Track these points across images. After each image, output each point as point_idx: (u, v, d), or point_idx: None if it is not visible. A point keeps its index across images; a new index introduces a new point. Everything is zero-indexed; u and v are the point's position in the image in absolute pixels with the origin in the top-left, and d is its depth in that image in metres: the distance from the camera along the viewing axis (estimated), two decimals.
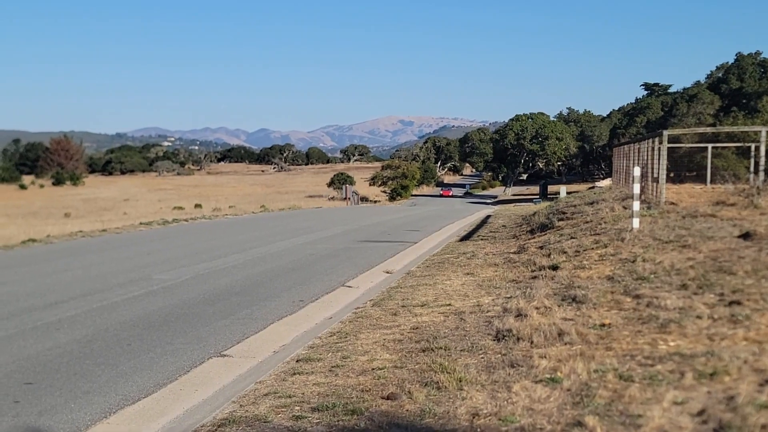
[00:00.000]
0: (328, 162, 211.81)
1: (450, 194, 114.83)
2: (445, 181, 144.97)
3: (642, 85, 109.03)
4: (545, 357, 6.87)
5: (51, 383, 7.48)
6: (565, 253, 13.39)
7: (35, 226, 35.04)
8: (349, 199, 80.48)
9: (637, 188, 14.31)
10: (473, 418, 5.54)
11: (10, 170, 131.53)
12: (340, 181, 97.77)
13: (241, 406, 6.42)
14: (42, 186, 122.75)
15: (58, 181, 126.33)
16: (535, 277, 11.87)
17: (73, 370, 7.93)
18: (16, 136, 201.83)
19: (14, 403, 6.86)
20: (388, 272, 15.86)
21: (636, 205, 13.99)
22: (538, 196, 76.10)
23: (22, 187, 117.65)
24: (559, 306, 8.96)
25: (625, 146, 27.10)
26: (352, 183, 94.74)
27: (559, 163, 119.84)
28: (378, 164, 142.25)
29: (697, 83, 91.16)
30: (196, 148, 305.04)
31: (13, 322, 10.37)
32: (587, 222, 17.03)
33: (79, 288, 13.45)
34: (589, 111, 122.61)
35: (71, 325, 10.20)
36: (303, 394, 6.58)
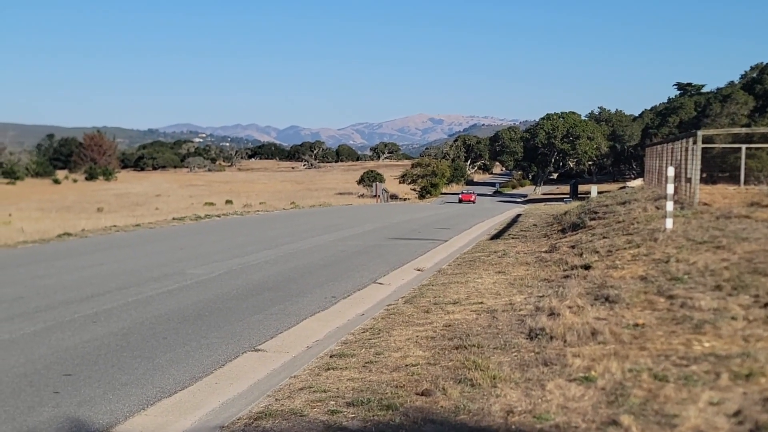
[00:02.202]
0: (358, 159, 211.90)
1: (473, 199, 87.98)
2: (475, 180, 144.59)
3: (675, 84, 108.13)
4: (579, 356, 6.88)
5: (89, 375, 7.59)
6: (597, 252, 13.35)
7: (69, 221, 35.42)
8: (379, 196, 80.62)
9: (670, 188, 14.22)
10: (508, 415, 5.57)
11: (44, 165, 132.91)
12: (370, 178, 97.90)
13: (276, 399, 6.48)
14: (75, 181, 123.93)
15: (91, 176, 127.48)
16: (567, 277, 11.85)
17: (111, 362, 8.05)
18: (51, 131, 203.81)
19: (54, 393, 6.98)
20: (419, 270, 15.90)
21: (669, 206, 13.92)
22: (568, 196, 75.71)
23: (56, 181, 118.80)
24: (591, 305, 8.95)
25: (658, 146, 26.91)
26: (382, 181, 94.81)
27: (590, 163, 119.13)
28: (408, 162, 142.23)
29: (731, 83, 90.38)
30: (227, 144, 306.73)
31: (51, 315, 10.53)
32: (619, 222, 16.95)
33: (115, 282, 13.62)
34: (621, 110, 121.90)
35: (108, 318, 10.35)
36: (338, 389, 6.64)
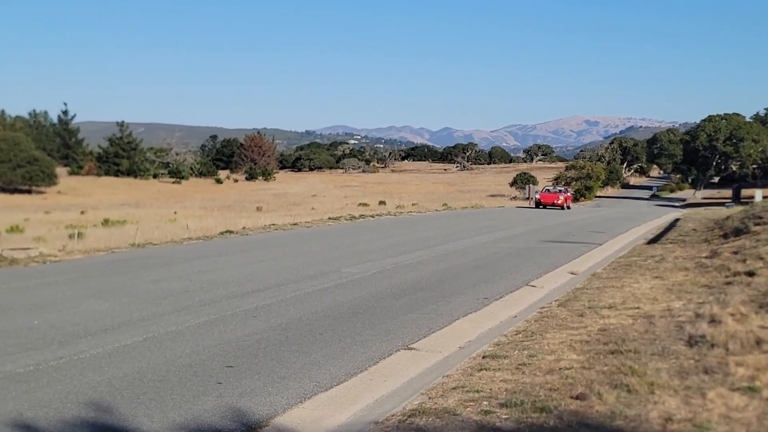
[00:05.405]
0: (510, 161, 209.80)
1: (559, 202, 55.96)
2: (631, 183, 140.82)
3: None
4: (742, 365, 6.64)
5: (250, 367, 7.88)
6: (762, 259, 12.82)
7: (230, 219, 36.75)
8: (532, 198, 79.72)
9: None
10: (666, 422, 5.43)
11: (208, 165, 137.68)
12: (522, 180, 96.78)
13: (429, 398, 6.55)
14: (236, 180, 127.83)
15: (250, 176, 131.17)
16: (729, 283, 11.43)
17: (270, 356, 8.33)
18: (214, 132, 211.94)
19: (217, 384, 7.28)
20: (572, 273, 15.70)
21: None
22: (730, 200, 72.76)
23: (218, 181, 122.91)
24: (756, 313, 8.61)
25: None
26: (534, 183, 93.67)
27: (754, 166, 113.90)
28: (561, 164, 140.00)
29: None
30: (381, 146, 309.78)
31: (214, 308, 10.99)
32: None
33: (274, 278, 14.08)
34: None
35: (267, 313, 10.71)
36: (490, 389, 6.64)
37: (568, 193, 62.49)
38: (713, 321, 8.45)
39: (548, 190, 62.59)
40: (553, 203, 55.70)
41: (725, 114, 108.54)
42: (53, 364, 7.82)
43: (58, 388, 7.01)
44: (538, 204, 56.69)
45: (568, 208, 56.07)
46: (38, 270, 15.46)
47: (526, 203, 75.52)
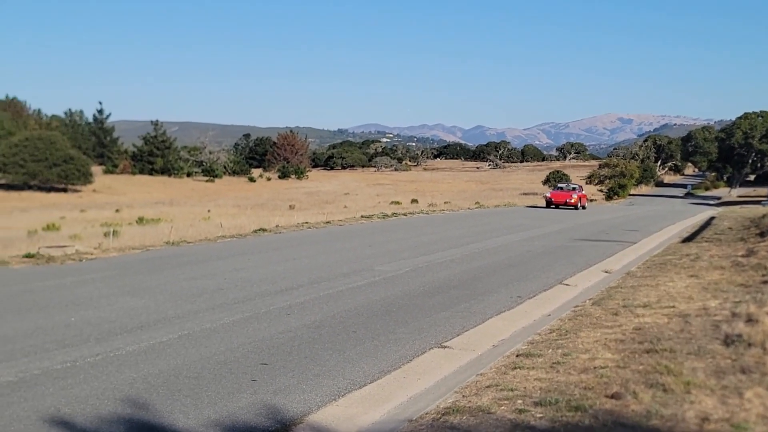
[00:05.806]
0: (543, 160, 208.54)
1: (573, 201, 48.92)
2: (666, 181, 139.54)
3: None
4: None
5: (284, 365, 7.92)
6: None
7: (263, 217, 36.88)
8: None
9: None
10: (703, 422, 5.38)
11: (241, 163, 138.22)
12: (555, 179, 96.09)
13: (463, 396, 6.55)
14: (269, 179, 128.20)
15: (283, 175, 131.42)
16: (766, 282, 11.33)
17: (304, 354, 8.37)
18: (247, 131, 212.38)
19: (252, 381, 7.33)
20: (606, 272, 15.62)
21: None
22: (766, 198, 71.84)
23: (251, 179, 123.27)
24: None
25: None
26: (568, 181, 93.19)
27: None
28: (595, 163, 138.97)
29: None
30: (414, 144, 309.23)
31: (248, 306, 11.06)
32: None
33: (307, 276, 14.13)
34: None
35: (301, 311, 10.75)
36: (525, 388, 6.62)
37: (583, 192, 54.65)
38: (750, 320, 8.37)
39: (560, 188, 55.16)
40: (566, 202, 49.28)
41: (761, 111, 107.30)
42: (90, 361, 7.91)
43: (95, 385, 7.10)
44: (549, 203, 50.05)
45: (584, 207, 49.88)
46: (74, 267, 15.63)
47: None
